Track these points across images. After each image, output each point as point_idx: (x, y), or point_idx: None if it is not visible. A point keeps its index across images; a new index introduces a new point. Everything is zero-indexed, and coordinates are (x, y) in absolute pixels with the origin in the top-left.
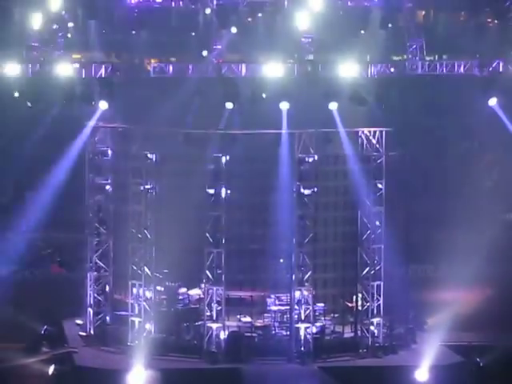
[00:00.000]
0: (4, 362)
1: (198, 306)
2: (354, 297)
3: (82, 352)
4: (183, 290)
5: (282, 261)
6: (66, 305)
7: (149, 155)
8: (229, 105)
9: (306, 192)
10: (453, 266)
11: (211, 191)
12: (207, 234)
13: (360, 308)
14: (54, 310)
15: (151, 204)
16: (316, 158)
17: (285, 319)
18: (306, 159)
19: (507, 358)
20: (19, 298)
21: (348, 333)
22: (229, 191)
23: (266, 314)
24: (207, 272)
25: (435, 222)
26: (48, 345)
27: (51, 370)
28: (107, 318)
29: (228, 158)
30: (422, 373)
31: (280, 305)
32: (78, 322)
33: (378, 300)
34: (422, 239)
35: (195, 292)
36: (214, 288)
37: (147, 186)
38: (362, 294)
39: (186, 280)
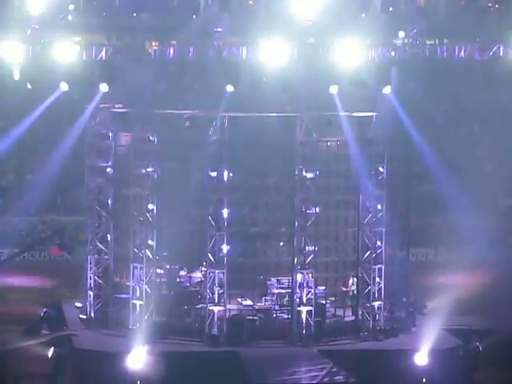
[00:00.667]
0: (3, 344)
1: (198, 288)
2: (350, 281)
3: (82, 335)
4: (183, 272)
5: (282, 244)
6: (65, 287)
7: (150, 138)
8: (229, 88)
9: (309, 175)
10: (453, 249)
11: (213, 174)
12: (209, 217)
13: (355, 292)
14: (54, 292)
15: (153, 187)
16: (318, 141)
17: (285, 302)
18: (308, 142)
19: (506, 342)
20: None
21: (349, 316)
22: (231, 174)
23: (266, 297)
24: (209, 255)
25: (435, 206)
26: (47, 327)
27: (51, 352)
28: (108, 300)
29: (230, 140)
30: (422, 356)
31: (281, 288)
32: (78, 304)
33: (379, 283)
34: (423, 223)
35: (196, 275)
36: (216, 271)
37: (149, 169)
38: (358, 278)
39: (186, 263)
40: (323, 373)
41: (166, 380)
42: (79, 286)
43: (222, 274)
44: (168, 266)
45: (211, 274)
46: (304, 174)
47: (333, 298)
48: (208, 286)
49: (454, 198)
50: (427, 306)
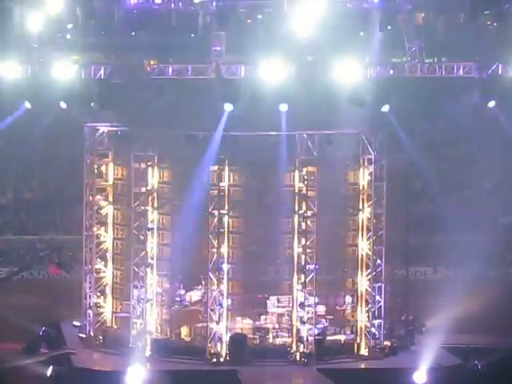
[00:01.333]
0: (2, 362)
1: (197, 307)
2: (345, 299)
3: (81, 353)
4: (182, 291)
5: (279, 262)
6: (63, 306)
7: (150, 156)
8: (228, 106)
9: (309, 194)
10: (451, 268)
11: (214, 192)
12: (210, 236)
13: (349, 311)
14: (52, 311)
15: (153, 205)
16: (318, 159)
17: (283, 321)
18: (309, 161)
19: (505, 360)
20: (18, 299)
21: (348, 334)
22: (232, 193)
23: (263, 316)
24: (210, 274)
25: (434, 224)
26: (46, 346)
27: (49, 371)
28: (107, 319)
29: (230, 159)
30: (421, 375)
31: (280, 307)
32: (76, 323)
33: (379, 302)
34: (421, 242)
35: (194, 293)
36: (217, 289)
37: (149, 187)
38: (357, 297)
39: (185, 281)
40: None
41: None
42: (77, 304)
43: (222, 293)
44: (167, 285)
45: (212, 292)
46: (305, 192)
47: (331, 317)
48: (209, 304)
49: (452, 217)
50: (426, 325)
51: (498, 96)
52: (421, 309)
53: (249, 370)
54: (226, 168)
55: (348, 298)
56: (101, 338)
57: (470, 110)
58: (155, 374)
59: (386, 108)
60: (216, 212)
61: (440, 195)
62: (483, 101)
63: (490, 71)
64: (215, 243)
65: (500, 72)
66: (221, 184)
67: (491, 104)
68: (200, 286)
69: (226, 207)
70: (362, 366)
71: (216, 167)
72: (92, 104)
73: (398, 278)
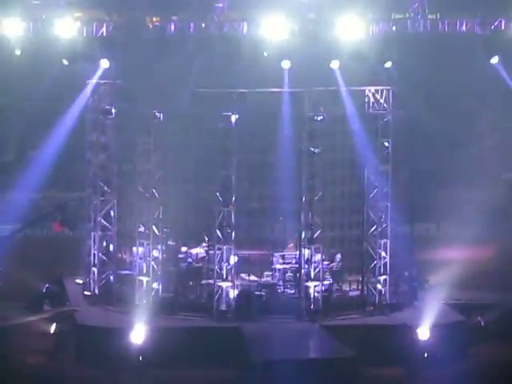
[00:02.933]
0: (5, 320)
1: (201, 264)
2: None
3: (85, 311)
4: (185, 248)
5: (281, 219)
6: (67, 263)
7: (156, 114)
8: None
9: (316, 151)
10: (454, 224)
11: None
12: (217, 193)
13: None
14: (56, 268)
15: (159, 163)
16: (325, 116)
17: (286, 278)
18: (316, 118)
19: (508, 316)
20: (21, 256)
21: (354, 290)
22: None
23: (268, 273)
24: (217, 231)
25: (437, 180)
26: (49, 303)
27: (53, 328)
28: (111, 277)
29: (238, 116)
30: (424, 331)
31: (284, 263)
32: (78, 281)
33: (385, 258)
34: (424, 198)
35: (198, 251)
36: (224, 247)
37: (155, 145)
38: (362, 252)
39: (190, 239)
40: (324, 347)
41: (167, 355)
42: (80, 262)
43: (230, 250)
44: (170, 243)
45: (219, 249)
46: (312, 149)
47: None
48: (216, 261)
49: (455, 173)
50: (428, 281)
51: (501, 52)
52: (423, 265)
53: (251, 325)
54: (233, 126)
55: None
56: (106, 295)
57: (473, 66)
58: (160, 330)
59: (388, 64)
60: (224, 169)
61: (443, 152)
62: (486, 57)
63: (492, 27)
64: (222, 200)
65: (503, 27)
66: (227, 142)
67: (494, 60)
68: (203, 244)
69: (235, 165)
70: (370, 322)
71: (224, 125)
72: (94, 61)
73: (402, 235)
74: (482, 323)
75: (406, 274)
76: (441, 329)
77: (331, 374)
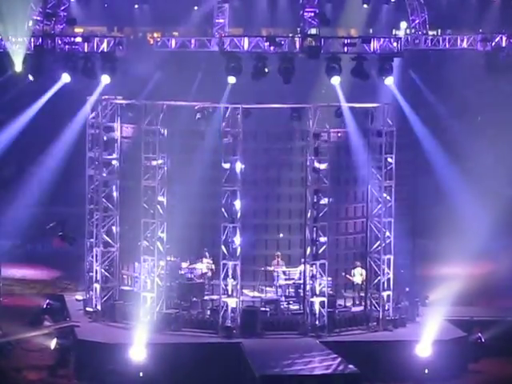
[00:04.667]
0: (6, 335)
1: (202, 280)
2: (353, 271)
3: (86, 326)
4: (185, 264)
5: (281, 235)
6: (67, 279)
7: (161, 130)
8: (231, 79)
9: (322, 167)
10: (455, 240)
11: (226, 166)
12: (222, 209)
13: (359, 282)
14: (56, 284)
15: (163, 179)
16: (329, 132)
17: (287, 293)
18: (322, 134)
19: (509, 332)
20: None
21: (357, 306)
22: (243, 166)
23: (269, 289)
24: (222, 246)
25: (437, 196)
26: (50, 319)
27: (54, 343)
28: (114, 293)
29: (242, 132)
30: (425, 347)
31: (287, 279)
32: (78, 297)
33: (388, 274)
34: (424, 214)
35: (199, 267)
36: (230, 262)
37: (159, 161)
38: (366, 269)
39: (191, 255)
40: (325, 363)
41: (168, 371)
42: (81, 278)
43: (235, 266)
44: (169, 259)
45: (224, 265)
46: (317, 165)
47: (343, 290)
48: (222, 277)
49: (456, 189)
50: (429, 297)
51: (502, 69)
52: (424, 281)
53: (252, 341)
54: (238, 142)
55: (357, 271)
56: (109, 312)
57: (474, 83)
58: (160, 346)
59: (389, 81)
60: (229, 185)
61: (444, 168)
62: (487, 73)
63: (493, 43)
64: (228, 216)
65: (504, 44)
66: (233, 157)
67: (494, 76)
68: (204, 260)
69: (240, 180)
70: (374, 338)
71: (227, 141)
72: (95, 77)
73: (403, 250)
74: (483, 339)
75: (407, 289)
76: (441, 345)
77: None
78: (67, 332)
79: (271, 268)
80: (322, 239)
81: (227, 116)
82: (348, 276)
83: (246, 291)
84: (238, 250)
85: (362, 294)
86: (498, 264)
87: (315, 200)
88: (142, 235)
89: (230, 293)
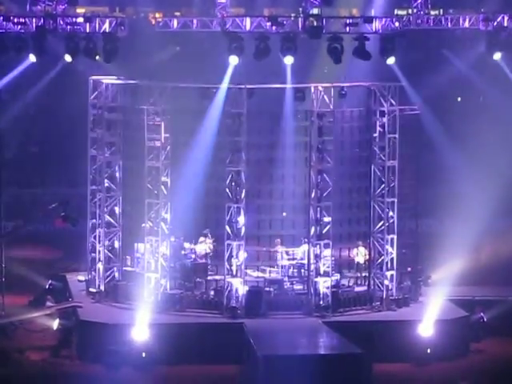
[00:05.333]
0: (8, 316)
1: (205, 261)
2: (355, 250)
3: (88, 307)
4: (187, 245)
5: (284, 214)
6: (69, 260)
7: (164, 110)
8: (233, 59)
9: (326, 147)
10: (458, 220)
11: (230, 146)
12: (227, 189)
13: (361, 262)
14: (58, 264)
15: (167, 160)
16: (334, 112)
17: (290, 273)
18: (325, 114)
19: (511, 312)
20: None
21: (360, 286)
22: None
23: (272, 269)
24: (227, 227)
25: (440, 177)
26: (53, 299)
27: (56, 324)
28: (117, 274)
29: (246, 112)
30: (427, 327)
31: (289, 259)
32: (80, 278)
33: (392, 253)
34: (428, 194)
35: (201, 247)
36: (234, 243)
37: (163, 142)
38: (370, 249)
39: (194, 235)
40: (330, 344)
41: (170, 352)
42: (83, 258)
43: (239, 246)
44: (171, 239)
45: (229, 245)
46: (321, 145)
47: (352, 270)
48: (226, 257)
49: (458, 169)
50: (431, 277)
51: (504, 48)
52: (427, 261)
53: (255, 321)
54: (243, 122)
55: (360, 250)
56: (112, 292)
57: (476, 62)
58: (162, 327)
59: (391, 61)
60: (234, 166)
61: (446, 147)
62: (489, 53)
63: (495, 23)
64: (231, 196)
65: (505, 24)
66: (236, 138)
67: (497, 56)
68: (207, 240)
69: (244, 161)
70: (378, 317)
71: (232, 121)
72: (97, 57)
73: (406, 230)
74: (485, 319)
75: (409, 269)
76: (444, 325)
77: (336, 370)
78: (69, 312)
79: (274, 249)
80: (326, 219)
81: (231, 96)
82: (350, 255)
83: (248, 271)
84: (243, 230)
85: (364, 274)
86: (501, 243)
87: (319, 180)
88: (145, 215)
89: (234, 273)
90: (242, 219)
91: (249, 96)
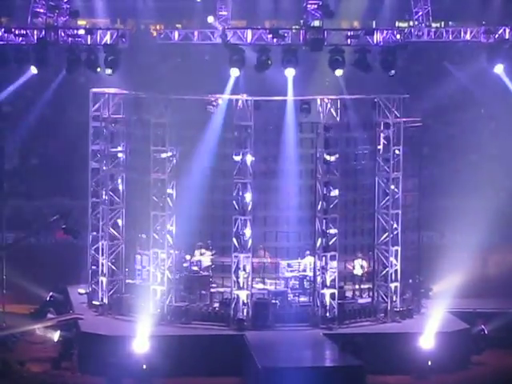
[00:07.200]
0: (9, 328)
1: (208, 273)
2: (354, 262)
3: (89, 319)
4: (188, 257)
5: (286, 227)
6: (70, 272)
7: (170, 122)
8: (234, 71)
9: (332, 159)
10: (459, 232)
11: (237, 158)
12: (234, 202)
13: (359, 274)
14: (59, 276)
15: (172, 172)
16: (340, 124)
17: (291, 285)
18: (331, 125)
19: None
20: (25, 264)
21: (364, 298)
22: (253, 158)
23: (272, 281)
24: (234, 239)
25: (441, 189)
26: (54, 311)
27: (57, 336)
28: (120, 286)
29: (253, 124)
30: (428, 339)
31: (292, 271)
32: (81, 291)
33: (396, 265)
34: (428, 206)
35: (204, 259)
36: (241, 255)
37: (168, 154)
38: (374, 261)
39: (194, 248)
40: (330, 356)
41: (171, 364)
42: (84, 270)
43: (247, 259)
44: (178, 252)
45: (236, 258)
46: (327, 157)
47: (350, 282)
48: (233, 270)
49: (459, 182)
50: (433, 289)
51: (505, 60)
52: (427, 273)
53: (256, 333)
54: (248, 135)
55: (357, 262)
56: (116, 305)
57: (477, 75)
58: (164, 339)
59: (393, 73)
60: (240, 177)
61: (447, 160)
62: (490, 65)
63: (496, 36)
64: (238, 209)
65: (507, 36)
66: (243, 150)
67: (498, 68)
68: (207, 252)
69: (251, 173)
70: (383, 329)
71: (239, 133)
72: (98, 69)
73: (409, 242)
74: (486, 331)
75: (410, 281)
76: (445, 337)
77: (336, 382)
78: (70, 324)
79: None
80: (332, 231)
81: (238, 108)
82: (349, 266)
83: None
84: (249, 242)
85: (364, 286)
86: (502, 256)
87: (325, 192)
88: (151, 228)
89: (241, 285)
90: (248, 231)
91: (255, 108)
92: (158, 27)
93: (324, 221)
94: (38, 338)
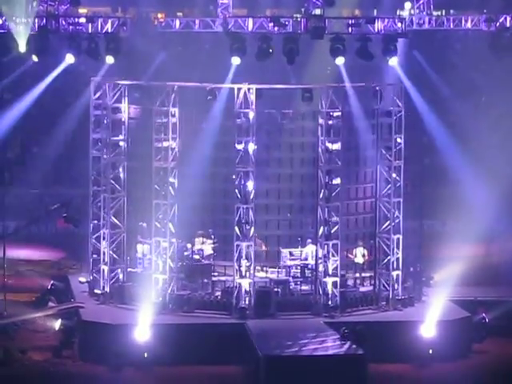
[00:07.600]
0: (10, 316)
1: (209, 261)
2: (355, 250)
3: (91, 307)
4: (190, 245)
5: (289, 215)
6: (71, 260)
7: (172, 111)
8: (235, 60)
9: (334, 147)
10: (460, 221)
11: (239, 147)
12: (236, 190)
13: (360, 262)
14: (60, 265)
15: (174, 160)
16: (342, 112)
17: (292, 274)
18: (333, 114)
19: None
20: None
21: (366, 286)
22: (255, 147)
23: (273, 270)
24: (236, 228)
25: (443, 177)
26: (55, 300)
27: (58, 324)
28: (121, 275)
29: (255, 113)
30: (429, 328)
31: (293, 259)
32: (82, 279)
33: (397, 253)
34: (430, 195)
35: (205, 248)
36: (243, 244)
37: (170, 142)
38: (375, 249)
39: (195, 236)
40: (330, 345)
41: (172, 352)
42: (85, 259)
43: (249, 247)
44: (175, 240)
45: (238, 246)
46: (329, 145)
47: (351, 270)
48: (235, 258)
49: (461, 170)
50: (434, 277)
51: (506, 48)
52: (429, 261)
53: (257, 321)
54: (251, 123)
55: (358, 251)
56: (117, 294)
57: (478, 63)
58: (164, 327)
59: (393, 61)
60: (243, 166)
61: (449, 148)
62: (491, 53)
63: (498, 24)
64: (241, 197)
65: (508, 24)
66: (247, 138)
67: (498, 56)
68: (208, 241)
69: (254, 161)
70: (384, 317)
71: (241, 122)
72: (99, 58)
73: (410, 231)
74: (487, 320)
75: (412, 269)
76: (446, 325)
77: (338, 372)
78: (72, 313)
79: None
80: (335, 219)
81: (240, 97)
82: (350, 255)
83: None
84: (252, 230)
85: (365, 275)
86: (503, 244)
87: (327, 180)
88: (153, 216)
89: (243, 274)
90: (251, 220)
91: (258, 96)
92: (158, 15)
93: (326, 209)
94: (40, 326)
